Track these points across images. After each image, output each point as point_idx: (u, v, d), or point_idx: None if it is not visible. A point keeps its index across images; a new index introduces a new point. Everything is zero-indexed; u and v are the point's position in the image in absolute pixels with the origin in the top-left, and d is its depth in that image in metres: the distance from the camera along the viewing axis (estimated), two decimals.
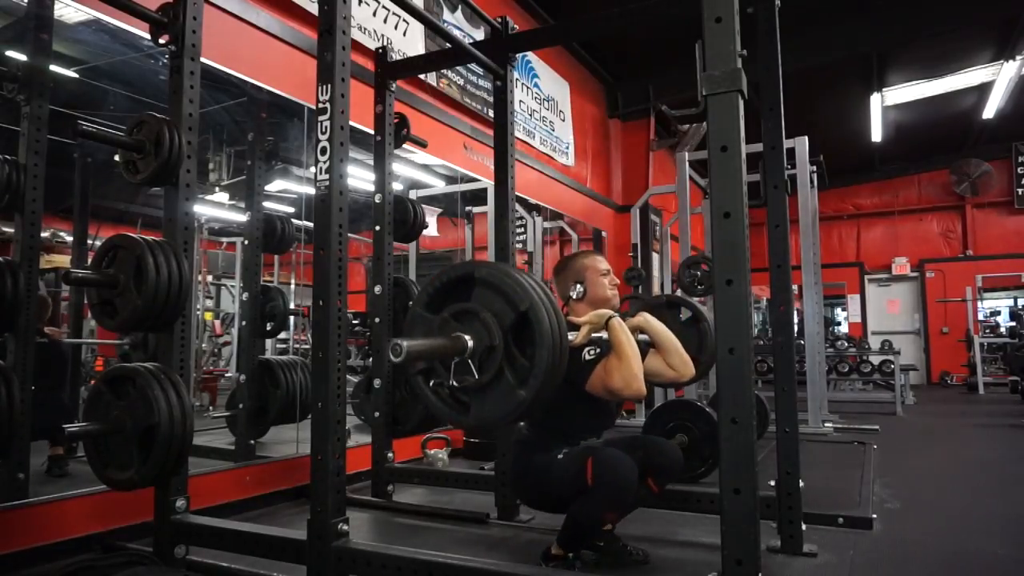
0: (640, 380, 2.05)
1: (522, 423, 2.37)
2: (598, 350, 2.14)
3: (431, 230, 7.57)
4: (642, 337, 2.27)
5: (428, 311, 1.71)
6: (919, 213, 11.90)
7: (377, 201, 3.37)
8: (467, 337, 1.61)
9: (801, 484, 2.45)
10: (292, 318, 6.02)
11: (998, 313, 11.73)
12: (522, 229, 7.17)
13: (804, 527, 2.50)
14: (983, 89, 8.68)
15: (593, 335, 2.13)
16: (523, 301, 1.58)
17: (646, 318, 2.32)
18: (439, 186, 6.66)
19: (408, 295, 3.47)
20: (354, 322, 7.81)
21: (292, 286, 7.28)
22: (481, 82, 5.64)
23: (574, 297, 2.36)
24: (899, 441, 5.35)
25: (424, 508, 3.22)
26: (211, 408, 6.08)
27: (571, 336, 1.98)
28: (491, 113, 3.86)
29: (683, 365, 2.30)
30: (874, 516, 2.90)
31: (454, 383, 1.64)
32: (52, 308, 3.90)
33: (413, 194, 6.05)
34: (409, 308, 1.83)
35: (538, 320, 1.57)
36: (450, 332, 1.64)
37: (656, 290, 6.86)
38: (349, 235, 2.10)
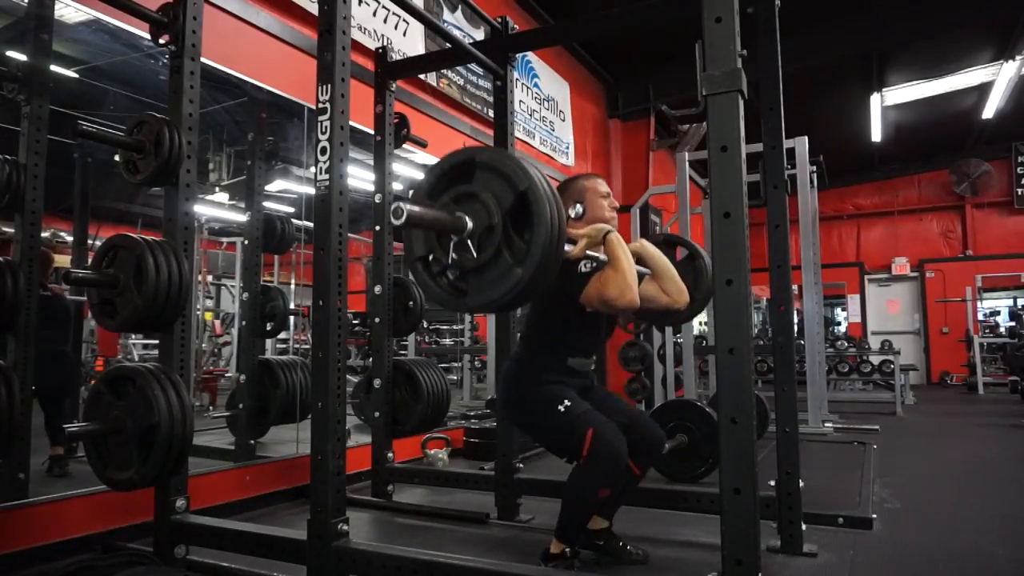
0: (634, 291, 2.09)
1: (518, 338, 2.40)
2: (594, 264, 2.17)
3: None
4: (640, 269, 2.29)
5: (429, 198, 1.73)
6: (919, 213, 11.91)
7: (377, 201, 3.37)
8: (467, 217, 1.63)
9: (801, 484, 2.45)
10: (292, 318, 6.02)
11: (998, 313, 11.73)
12: None
13: (804, 527, 2.50)
14: (983, 89, 8.69)
15: (589, 253, 2.15)
16: (522, 181, 1.60)
17: (643, 243, 2.35)
18: None
19: (408, 295, 3.48)
20: (354, 322, 7.82)
21: (292, 286, 7.27)
22: (481, 82, 5.64)
23: (573, 217, 2.35)
24: (899, 441, 5.35)
25: (424, 508, 3.22)
26: (211, 408, 6.08)
27: (568, 248, 2.02)
28: (491, 113, 3.86)
29: (678, 292, 2.34)
30: (874, 516, 2.90)
31: (453, 256, 1.65)
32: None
33: None
34: (411, 194, 1.86)
35: (536, 200, 1.58)
36: (451, 213, 1.66)
37: None
38: (349, 235, 2.10)
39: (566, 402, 2.19)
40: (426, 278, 1.73)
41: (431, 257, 1.71)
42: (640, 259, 2.31)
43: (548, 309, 2.31)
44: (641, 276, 2.26)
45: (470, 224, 1.62)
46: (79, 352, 4.44)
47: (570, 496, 2.20)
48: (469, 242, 1.62)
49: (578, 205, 2.35)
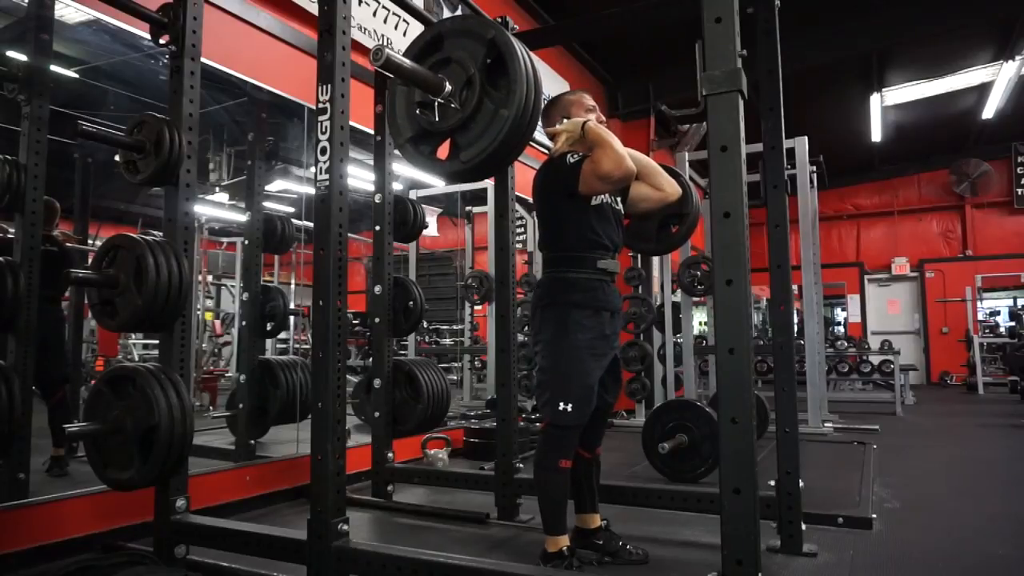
0: (628, 161, 2.12)
1: (543, 263, 2.42)
2: (580, 154, 2.20)
3: (431, 230, 7.58)
4: None
5: (406, 86, 1.81)
6: (919, 213, 11.91)
7: (377, 201, 3.37)
8: (445, 80, 1.69)
9: (801, 484, 2.45)
10: (292, 318, 6.02)
11: (998, 313, 11.74)
12: (522, 229, 7.17)
13: (804, 527, 2.50)
14: (983, 89, 8.68)
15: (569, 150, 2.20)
16: (488, 30, 1.65)
17: (627, 150, 2.34)
18: (439, 186, 6.66)
19: (408, 295, 3.47)
20: (354, 322, 7.82)
21: (292, 286, 7.29)
22: None
23: None
24: (899, 441, 5.35)
25: (424, 508, 3.22)
26: (211, 408, 6.08)
27: (551, 145, 2.10)
28: None
29: (669, 185, 2.38)
30: (874, 516, 2.91)
31: (440, 101, 1.71)
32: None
33: (413, 194, 6.05)
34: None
35: (505, 43, 1.63)
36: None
37: (656, 290, 6.86)
38: (349, 235, 2.10)
39: (568, 397, 2.18)
40: (418, 155, 1.77)
41: (419, 131, 1.74)
42: None
43: (556, 216, 2.31)
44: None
45: (448, 87, 1.67)
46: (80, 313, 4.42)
47: (536, 476, 2.25)
48: (451, 101, 1.65)
49: (564, 120, 2.35)
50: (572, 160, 2.22)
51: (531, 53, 1.65)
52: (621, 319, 2.45)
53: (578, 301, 2.23)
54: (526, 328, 5.99)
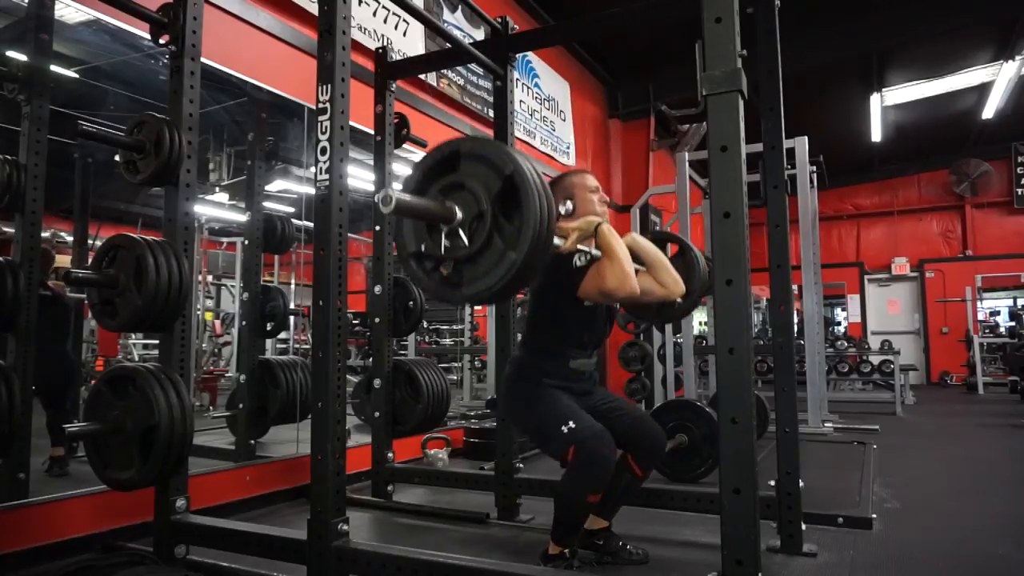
0: (633, 280, 2.09)
1: (519, 340, 2.40)
2: (588, 256, 2.16)
3: None
4: (635, 265, 2.29)
5: (417, 194, 1.73)
6: (919, 213, 11.91)
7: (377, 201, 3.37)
8: (456, 207, 1.63)
9: (801, 484, 2.45)
10: (292, 318, 6.02)
11: (998, 313, 11.73)
12: None
13: (804, 527, 2.50)
14: (983, 89, 8.69)
15: (581, 247, 2.14)
16: (507, 165, 1.60)
17: (634, 237, 2.35)
18: None
19: (408, 295, 3.47)
20: (354, 322, 7.82)
21: (292, 286, 7.28)
22: (481, 82, 5.64)
23: (563, 213, 2.35)
24: (899, 441, 5.35)
25: (424, 508, 3.22)
26: (211, 408, 6.08)
27: (559, 243, 2.03)
28: (491, 113, 3.86)
29: (674, 282, 2.33)
30: (874, 516, 2.91)
31: (446, 244, 1.65)
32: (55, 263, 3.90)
33: None
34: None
35: (522, 180, 1.58)
36: (441, 203, 1.67)
37: None
38: (349, 235, 2.10)
39: (567, 419, 2.17)
40: (420, 273, 1.73)
41: (424, 250, 1.72)
42: (632, 252, 2.29)
43: (546, 308, 2.31)
44: (635, 271, 2.26)
45: (459, 213, 1.62)
46: (79, 351, 4.43)
47: (560, 501, 2.19)
48: (460, 231, 1.63)
49: (568, 202, 2.35)
50: (579, 264, 2.16)
51: (545, 182, 1.62)
52: (595, 384, 2.45)
53: (547, 374, 2.27)
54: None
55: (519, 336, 2.48)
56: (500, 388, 2.46)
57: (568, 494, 2.15)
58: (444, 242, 1.66)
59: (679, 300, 2.47)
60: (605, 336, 2.44)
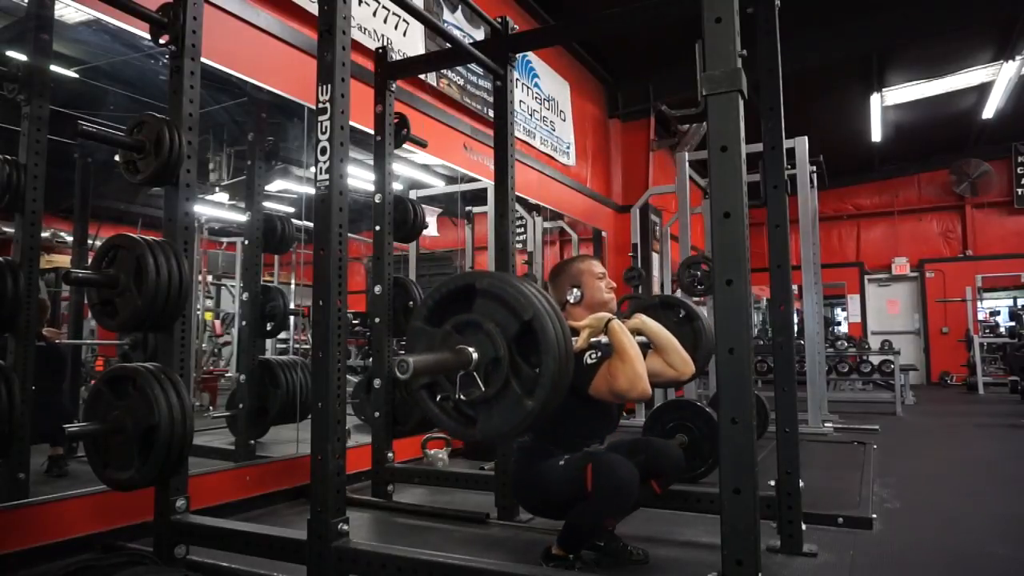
0: (645, 380, 2.06)
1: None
2: (599, 354, 2.14)
3: (431, 230, 7.57)
4: (640, 339, 2.28)
5: (429, 324, 1.69)
6: (919, 213, 11.90)
7: (377, 201, 3.37)
8: (471, 350, 1.59)
9: (801, 484, 2.45)
10: (292, 318, 6.01)
11: (998, 313, 11.73)
12: (522, 229, 7.17)
13: (804, 527, 2.50)
14: (983, 89, 8.68)
15: (593, 340, 2.13)
16: (527, 310, 1.56)
17: (643, 319, 2.33)
18: (439, 186, 6.66)
19: (408, 295, 3.47)
20: (354, 322, 7.81)
21: (292, 286, 7.27)
22: (481, 82, 5.64)
23: (571, 301, 2.35)
24: (899, 441, 5.35)
25: (424, 508, 3.22)
26: (211, 408, 6.08)
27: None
28: (491, 113, 3.86)
29: (683, 364, 2.31)
30: (874, 516, 2.90)
31: (461, 396, 1.62)
32: (51, 310, 3.89)
33: (413, 194, 6.05)
34: (409, 323, 1.80)
35: (543, 328, 1.55)
36: (453, 345, 1.61)
37: (656, 290, 6.86)
38: (349, 235, 2.10)
39: (565, 456, 2.19)
40: (432, 406, 1.68)
41: (435, 386, 1.68)
42: (641, 334, 2.29)
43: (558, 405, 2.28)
44: (643, 351, 2.22)
45: (475, 356, 1.58)
46: (77, 399, 4.42)
47: (575, 520, 2.18)
48: (475, 374, 1.59)
49: (575, 289, 2.35)
50: (589, 362, 2.14)
51: (564, 322, 1.57)
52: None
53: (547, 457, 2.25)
54: None
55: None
56: (511, 477, 2.40)
57: (586, 517, 2.14)
58: (459, 384, 1.61)
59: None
60: (617, 422, 2.43)
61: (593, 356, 2.14)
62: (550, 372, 1.54)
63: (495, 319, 1.60)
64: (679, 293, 5.63)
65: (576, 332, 2.12)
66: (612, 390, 2.08)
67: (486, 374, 1.60)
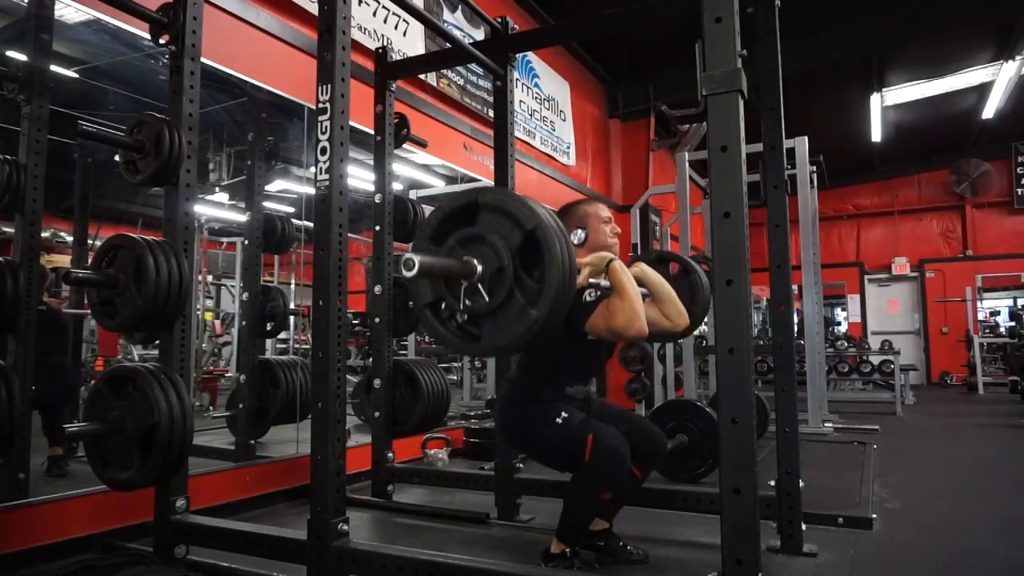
0: (643, 320, 2.07)
1: (513, 363, 2.39)
2: (599, 293, 2.15)
3: None
4: (640, 289, 2.29)
5: (433, 243, 1.70)
6: (919, 213, 11.90)
7: (377, 201, 3.37)
8: (475, 261, 1.61)
9: (801, 484, 2.45)
10: (292, 318, 6.02)
11: (998, 313, 11.73)
12: None
13: (804, 527, 2.50)
14: (983, 89, 8.68)
15: (592, 280, 2.14)
16: (530, 220, 1.57)
17: (643, 268, 2.34)
18: (439, 186, 6.66)
19: (408, 295, 3.47)
20: (354, 322, 7.82)
21: (292, 286, 7.28)
22: (481, 82, 5.64)
23: (575, 243, 2.33)
24: (899, 441, 5.35)
25: (424, 508, 3.22)
26: (211, 408, 6.08)
27: None
28: (491, 113, 3.86)
29: (679, 315, 2.33)
30: (874, 516, 2.91)
31: (466, 302, 1.63)
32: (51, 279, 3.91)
33: (413, 194, 6.05)
34: (414, 241, 1.80)
35: (546, 238, 1.56)
36: (459, 258, 1.64)
37: None
38: (349, 235, 2.10)
39: (563, 414, 2.19)
40: (436, 325, 1.69)
41: (441, 303, 1.69)
42: (640, 283, 2.29)
43: (550, 340, 2.28)
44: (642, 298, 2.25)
45: (480, 268, 1.59)
46: (78, 363, 4.45)
47: (572, 499, 2.20)
48: (480, 286, 1.60)
49: (579, 231, 2.34)
50: (588, 299, 2.15)
51: (567, 235, 1.59)
52: (592, 402, 2.43)
53: (538, 400, 2.26)
54: None
55: (515, 358, 2.44)
56: (495, 412, 2.42)
57: (583, 492, 2.16)
58: (464, 296, 1.62)
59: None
60: (606, 364, 2.43)
61: (592, 294, 2.15)
62: (554, 280, 1.55)
63: (499, 232, 1.61)
64: None
65: (578, 271, 2.14)
66: (609, 327, 2.09)
67: (490, 286, 1.61)
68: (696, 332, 6.12)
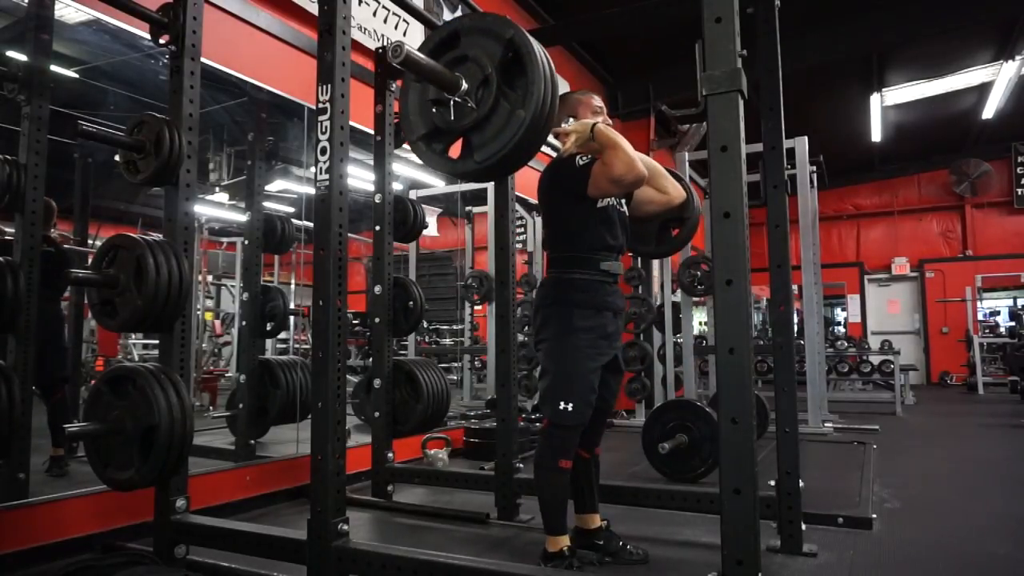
0: (640, 165, 2.11)
1: (547, 262, 2.41)
2: (589, 156, 2.19)
3: (431, 230, 7.58)
4: None
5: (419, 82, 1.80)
6: (919, 213, 11.91)
7: (377, 201, 3.37)
8: (461, 77, 1.69)
9: (801, 484, 2.45)
10: (292, 318, 6.02)
11: (998, 313, 11.74)
12: (522, 229, 7.17)
13: (804, 527, 2.50)
14: (983, 89, 8.68)
15: (579, 158, 2.19)
16: (507, 29, 1.66)
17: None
18: (439, 186, 6.67)
19: (408, 295, 3.47)
20: (354, 322, 7.82)
21: (292, 286, 7.29)
22: None
23: None
24: (899, 441, 5.35)
25: (424, 508, 3.22)
26: (211, 408, 6.08)
27: (557, 144, 2.08)
28: None
29: (673, 187, 2.38)
30: (874, 516, 2.91)
31: (456, 101, 1.70)
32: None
33: (413, 194, 6.06)
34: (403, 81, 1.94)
35: (524, 43, 1.64)
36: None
37: (656, 290, 6.86)
38: (349, 235, 2.10)
39: (570, 395, 2.18)
40: (430, 153, 1.77)
41: (434, 135, 1.75)
42: None
43: (561, 216, 2.31)
44: None
45: (464, 85, 1.67)
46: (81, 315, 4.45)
47: (537, 476, 2.26)
48: (467, 99, 1.65)
49: (570, 119, 2.34)
50: (581, 163, 2.22)
51: (547, 53, 1.65)
52: (623, 319, 2.45)
53: (580, 301, 2.24)
54: (526, 328, 5.99)
55: (546, 257, 2.44)
56: (533, 311, 2.41)
57: (541, 464, 2.24)
58: (453, 111, 1.70)
59: (678, 220, 2.53)
60: (626, 242, 2.41)
61: (583, 158, 2.21)
62: (538, 79, 1.63)
63: (481, 48, 1.70)
64: (679, 294, 5.63)
65: (561, 139, 2.18)
66: (610, 177, 2.13)
67: (477, 101, 1.69)
68: (696, 332, 6.13)
